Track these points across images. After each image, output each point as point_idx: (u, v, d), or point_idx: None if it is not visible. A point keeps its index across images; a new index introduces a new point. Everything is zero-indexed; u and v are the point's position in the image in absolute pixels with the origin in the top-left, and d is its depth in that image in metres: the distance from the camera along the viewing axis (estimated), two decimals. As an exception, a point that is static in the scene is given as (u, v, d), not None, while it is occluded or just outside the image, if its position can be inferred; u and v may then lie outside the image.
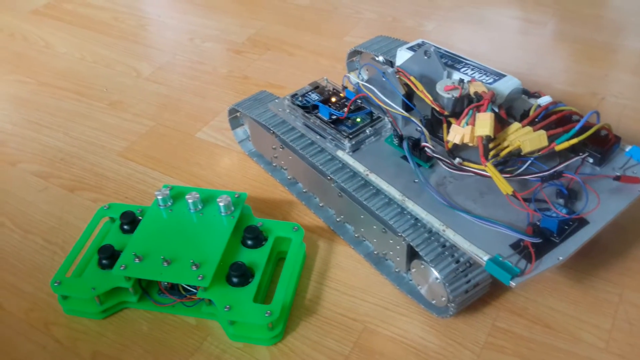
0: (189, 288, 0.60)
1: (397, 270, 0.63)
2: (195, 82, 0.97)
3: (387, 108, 0.64)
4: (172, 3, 1.23)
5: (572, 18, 1.09)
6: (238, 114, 0.81)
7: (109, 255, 0.61)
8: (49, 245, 0.69)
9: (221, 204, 0.63)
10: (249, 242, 0.63)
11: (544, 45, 1.02)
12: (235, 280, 0.59)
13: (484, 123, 0.57)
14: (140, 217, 0.65)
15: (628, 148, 0.63)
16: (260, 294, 0.61)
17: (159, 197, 0.64)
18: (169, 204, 0.65)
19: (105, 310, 0.60)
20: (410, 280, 0.62)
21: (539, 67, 0.96)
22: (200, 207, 0.64)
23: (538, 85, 0.89)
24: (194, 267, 0.58)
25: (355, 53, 0.89)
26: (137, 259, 0.59)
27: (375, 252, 0.65)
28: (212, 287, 0.58)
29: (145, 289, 0.61)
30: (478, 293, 0.58)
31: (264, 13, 1.15)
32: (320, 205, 0.71)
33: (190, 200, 0.64)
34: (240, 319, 0.57)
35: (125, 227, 0.65)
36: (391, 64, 0.77)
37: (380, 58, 0.81)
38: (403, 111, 0.64)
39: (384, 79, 0.66)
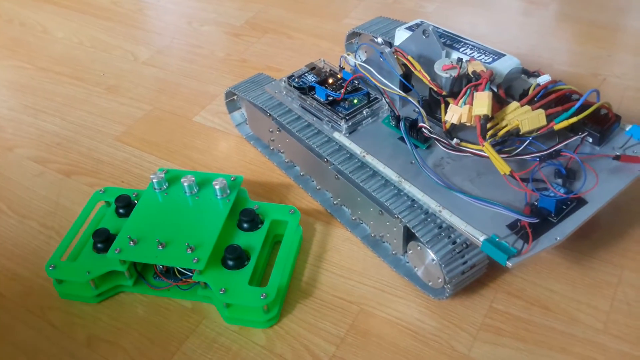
0: (184, 271, 0.59)
1: (394, 252, 0.62)
2: (193, 66, 0.96)
3: (384, 88, 0.63)
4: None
5: (575, -2, 1.07)
6: (235, 97, 0.80)
7: (104, 239, 0.60)
8: (45, 230, 0.69)
9: (217, 187, 0.63)
10: (245, 225, 0.62)
11: (546, 26, 1.01)
12: (230, 263, 0.58)
13: (482, 102, 0.56)
14: (135, 201, 0.65)
15: (628, 127, 0.62)
16: (256, 277, 0.60)
17: (155, 181, 0.64)
18: (165, 187, 0.64)
19: (101, 294, 0.60)
20: (407, 262, 0.61)
21: (540, 48, 0.95)
22: (195, 190, 0.64)
23: (539, 66, 0.88)
24: (189, 250, 0.57)
25: (354, 35, 0.88)
26: (132, 243, 0.58)
27: (372, 235, 0.64)
28: (208, 270, 0.57)
29: (140, 272, 0.61)
30: (475, 274, 0.57)
31: (263, -4, 1.14)
32: (317, 188, 0.71)
33: (185, 184, 0.63)
34: (236, 302, 0.56)
35: (121, 210, 0.64)
36: (390, 45, 0.76)
37: (379, 39, 0.80)
38: (400, 91, 0.63)
39: (381, 59, 0.65)
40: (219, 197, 0.63)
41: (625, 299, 0.58)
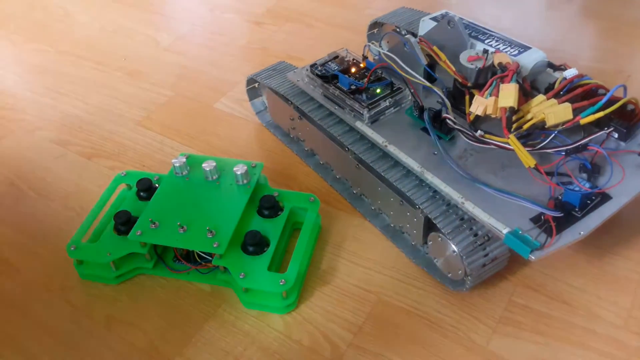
0: (204, 255, 0.59)
1: (413, 243, 0.62)
2: (214, 53, 0.96)
3: (409, 78, 0.63)
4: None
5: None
6: (256, 84, 0.80)
7: (125, 221, 0.61)
8: (66, 211, 0.69)
9: (238, 173, 0.63)
10: (265, 212, 0.63)
11: (571, 21, 1.00)
12: (250, 248, 0.58)
13: (508, 94, 0.56)
14: (156, 185, 0.65)
15: (655, 124, 0.61)
16: (275, 263, 0.60)
17: (176, 165, 0.64)
18: (186, 172, 0.65)
19: (120, 276, 0.61)
20: (426, 253, 0.61)
21: (564, 43, 0.94)
22: (216, 175, 0.64)
23: (563, 61, 0.87)
24: (209, 234, 0.57)
25: (376, 25, 0.87)
26: (153, 225, 0.59)
27: (392, 225, 0.64)
28: (228, 255, 0.58)
29: (160, 255, 0.61)
30: (495, 267, 0.57)
31: (285, -15, 1.14)
32: (337, 177, 0.71)
33: (207, 169, 0.63)
34: (255, 287, 0.57)
35: (142, 194, 0.65)
36: (414, 35, 0.75)
37: (402, 30, 0.80)
38: (425, 81, 0.62)
39: (406, 49, 0.65)
40: (239, 183, 0.63)
41: (646, 296, 0.57)
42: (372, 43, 0.80)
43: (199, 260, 0.60)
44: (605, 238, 0.61)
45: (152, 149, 0.77)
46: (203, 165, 0.64)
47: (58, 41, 1.01)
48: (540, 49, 0.66)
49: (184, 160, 0.64)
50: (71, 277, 0.62)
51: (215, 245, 0.57)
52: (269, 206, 0.62)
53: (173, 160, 0.64)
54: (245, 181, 0.63)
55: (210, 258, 0.59)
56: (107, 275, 0.60)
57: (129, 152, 0.77)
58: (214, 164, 0.64)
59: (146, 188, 0.64)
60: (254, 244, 0.58)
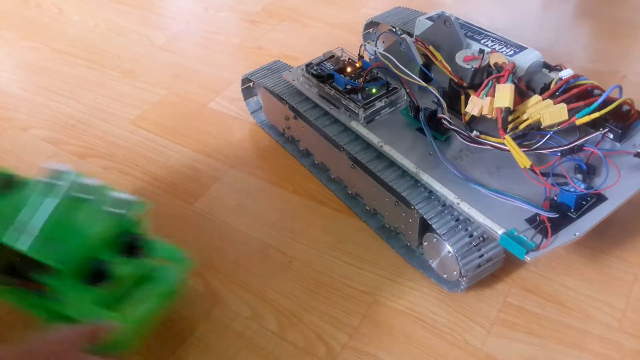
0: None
1: (408, 244, 0.62)
2: (208, 52, 0.95)
3: (405, 77, 0.62)
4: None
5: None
6: (251, 84, 0.79)
7: None
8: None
9: (109, 203, 0.54)
10: (124, 249, 0.54)
11: (566, 22, 1.00)
12: (88, 278, 0.51)
13: (504, 94, 0.56)
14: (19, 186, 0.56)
15: (650, 124, 0.61)
16: (113, 301, 0.52)
17: (53, 175, 0.55)
18: (61, 183, 0.55)
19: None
20: (421, 254, 0.61)
21: (559, 43, 0.94)
22: (87, 196, 0.54)
23: (559, 61, 0.87)
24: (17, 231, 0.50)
25: (372, 24, 0.87)
26: None
27: (387, 226, 0.64)
28: (64, 278, 0.50)
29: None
30: (490, 268, 0.57)
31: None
32: (332, 177, 0.70)
33: (81, 184, 0.55)
34: (72, 314, 0.51)
35: None
36: (409, 35, 0.75)
37: (398, 30, 0.80)
38: (421, 81, 0.62)
39: (402, 48, 0.65)
40: (108, 211, 0.54)
41: (641, 297, 0.57)
42: (368, 42, 0.80)
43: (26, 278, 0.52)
44: (600, 239, 0.61)
45: (146, 149, 0.77)
46: (80, 180, 0.55)
47: (51, 39, 1.00)
48: (535, 49, 0.66)
49: (64, 174, 0.55)
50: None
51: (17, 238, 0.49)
52: (129, 245, 0.54)
53: (49, 167, 0.56)
54: (115, 211, 0.54)
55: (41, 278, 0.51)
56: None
57: (122, 152, 0.76)
58: (92, 182, 0.55)
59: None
60: (92, 273, 0.51)
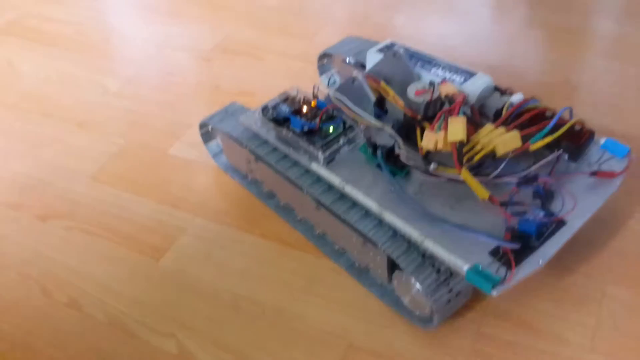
0: None
1: (379, 282, 0.62)
2: (165, 95, 0.95)
3: (358, 119, 0.63)
4: (137, 13, 1.20)
5: (544, 3, 1.08)
6: (209, 127, 0.79)
7: None
8: (24, 281, 0.67)
9: None
10: None
11: (516, 33, 1.01)
12: None
13: (457, 128, 0.56)
14: None
15: (603, 140, 0.62)
16: None
17: None
18: None
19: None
20: (394, 290, 0.61)
21: (512, 56, 0.95)
22: None
23: (511, 75, 0.89)
24: None
25: (325, 56, 0.87)
26: None
27: (357, 264, 0.64)
28: None
29: None
30: (461, 301, 0.57)
31: (231, 17, 1.13)
32: (299, 218, 0.70)
33: None
34: None
35: None
36: (362, 66, 0.76)
37: (351, 60, 0.80)
38: (374, 120, 0.62)
39: (354, 85, 0.65)
40: None
41: (610, 313, 0.58)
42: (322, 76, 0.80)
43: None
44: (566, 257, 0.62)
45: (108, 205, 0.75)
46: None
47: (3, 95, 0.98)
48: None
49: None
50: None
51: None
52: None
53: None
54: None
55: None
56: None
57: (83, 210, 0.75)
58: None
59: None
60: None
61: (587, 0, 1.08)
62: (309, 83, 0.71)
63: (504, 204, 0.55)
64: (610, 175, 0.58)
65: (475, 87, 0.65)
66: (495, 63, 0.93)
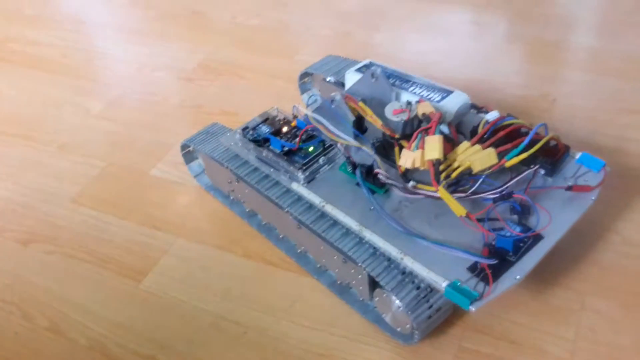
0: None
1: (361, 299, 0.62)
2: (146, 116, 0.95)
3: (336, 139, 0.63)
4: (119, 34, 1.21)
5: (522, 18, 1.10)
6: (191, 148, 0.79)
7: None
8: (5, 305, 0.67)
9: None
10: None
11: (495, 48, 1.03)
12: None
13: (433, 147, 0.57)
14: None
15: (578, 155, 0.63)
16: None
17: None
18: None
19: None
20: (375, 307, 0.61)
21: (491, 71, 0.96)
22: None
23: (491, 90, 0.90)
24: None
25: (306, 75, 0.88)
26: None
27: (339, 282, 0.64)
28: None
29: None
30: (441, 317, 0.57)
31: (213, 36, 1.14)
32: (281, 237, 0.70)
33: None
34: None
35: None
36: (342, 85, 0.77)
37: (332, 79, 0.81)
38: (352, 140, 0.63)
39: (333, 106, 0.66)
40: None
41: (589, 324, 0.59)
42: (303, 96, 0.80)
43: None
44: (544, 270, 0.63)
45: (89, 228, 0.75)
46: None
47: (-16, 119, 0.98)
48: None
49: None
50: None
51: None
52: None
53: None
54: None
55: None
56: None
57: (65, 234, 0.75)
58: None
59: None
60: None
61: (565, 16, 1.10)
62: (291, 102, 0.72)
63: (481, 220, 0.55)
64: (586, 189, 0.59)
65: (452, 105, 0.66)
66: (475, 78, 0.94)
